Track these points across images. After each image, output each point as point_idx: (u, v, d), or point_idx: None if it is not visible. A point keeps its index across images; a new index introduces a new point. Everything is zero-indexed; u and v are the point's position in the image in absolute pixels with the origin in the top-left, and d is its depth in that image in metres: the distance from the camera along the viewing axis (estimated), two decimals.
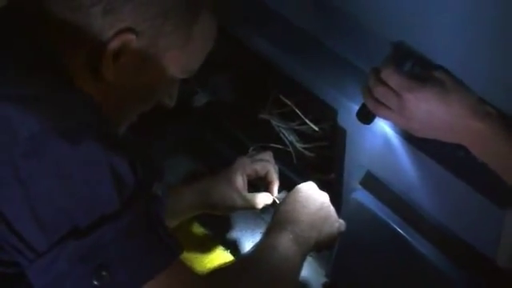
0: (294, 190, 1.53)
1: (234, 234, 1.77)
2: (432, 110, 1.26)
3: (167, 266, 1.08)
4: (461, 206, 1.37)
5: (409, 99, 1.27)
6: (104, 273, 1.05)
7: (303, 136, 1.68)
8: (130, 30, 1.14)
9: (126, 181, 1.06)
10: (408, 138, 1.41)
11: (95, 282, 1.04)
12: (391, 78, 1.29)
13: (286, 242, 1.39)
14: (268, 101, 1.71)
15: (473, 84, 1.27)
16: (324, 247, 1.49)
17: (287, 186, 1.76)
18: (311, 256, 1.73)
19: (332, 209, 1.51)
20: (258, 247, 1.38)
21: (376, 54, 1.37)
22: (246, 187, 1.66)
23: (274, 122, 1.71)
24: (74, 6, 1.13)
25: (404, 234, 1.46)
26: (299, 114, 1.65)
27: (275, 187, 1.67)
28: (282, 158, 1.72)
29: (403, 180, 1.45)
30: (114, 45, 1.14)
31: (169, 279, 1.09)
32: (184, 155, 1.94)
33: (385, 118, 1.34)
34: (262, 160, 1.67)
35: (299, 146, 1.69)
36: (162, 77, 1.23)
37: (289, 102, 1.66)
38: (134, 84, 1.21)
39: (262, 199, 1.65)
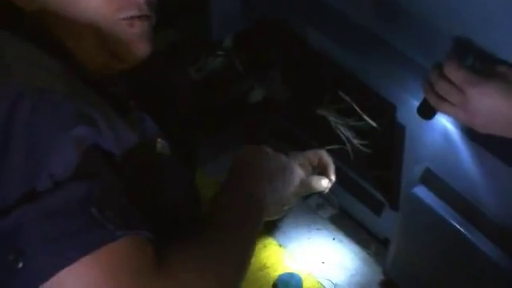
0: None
1: (290, 230, 1.78)
2: (496, 106, 1.25)
3: (92, 249, 1.00)
4: None
5: (472, 94, 1.26)
6: (18, 257, 1.00)
7: (361, 132, 1.68)
8: None
9: (63, 159, 1.02)
10: (470, 134, 1.40)
11: (13, 264, 0.99)
12: (454, 73, 1.28)
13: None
14: (325, 96, 1.71)
15: None
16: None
17: (344, 183, 1.77)
18: (368, 254, 1.72)
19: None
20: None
21: (435, 49, 1.37)
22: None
23: (331, 118, 1.70)
24: None
25: (464, 232, 1.46)
26: (357, 109, 1.65)
27: (331, 169, 1.66)
28: (338, 154, 1.71)
29: (464, 177, 1.44)
30: None
31: (99, 263, 1.00)
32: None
33: (447, 113, 1.34)
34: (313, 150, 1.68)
35: (356, 142, 1.69)
36: None
37: (346, 98, 1.65)
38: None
39: (318, 182, 1.64)
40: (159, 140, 1.22)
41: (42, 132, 1.04)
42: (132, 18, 1.20)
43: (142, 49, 1.22)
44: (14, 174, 1.02)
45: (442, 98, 1.31)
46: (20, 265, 1.00)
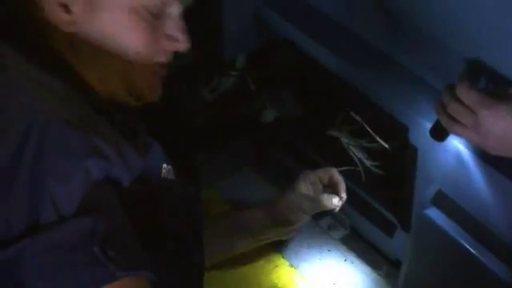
0: None
1: (302, 251, 1.78)
2: (508, 128, 1.25)
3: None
4: None
5: (485, 116, 1.27)
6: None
7: (372, 153, 1.68)
8: None
9: (68, 194, 1.02)
10: (482, 156, 1.40)
11: None
12: (467, 94, 1.28)
13: None
14: (337, 117, 1.71)
15: None
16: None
17: (356, 204, 1.77)
18: (380, 275, 1.72)
19: None
20: None
21: (448, 71, 1.38)
22: (312, 193, 1.68)
23: (343, 139, 1.71)
24: None
25: (476, 254, 1.45)
26: (369, 130, 1.65)
27: (341, 188, 1.67)
28: (350, 175, 1.71)
29: (476, 199, 1.43)
30: None
31: None
32: (250, 172, 1.95)
33: (459, 135, 1.34)
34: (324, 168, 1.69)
35: (368, 163, 1.69)
36: (128, 8, 1.15)
37: (359, 119, 1.66)
38: (107, 26, 1.16)
39: (329, 200, 1.65)
40: (164, 165, 1.22)
41: (50, 164, 1.03)
42: (161, 64, 1.22)
43: (159, 92, 1.24)
44: (19, 205, 1.02)
45: (455, 120, 1.31)
46: None
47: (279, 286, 1.68)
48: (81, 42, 1.16)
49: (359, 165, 1.70)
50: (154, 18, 1.17)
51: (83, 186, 1.03)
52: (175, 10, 1.20)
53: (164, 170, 1.22)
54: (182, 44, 1.21)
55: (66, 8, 1.13)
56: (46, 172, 1.02)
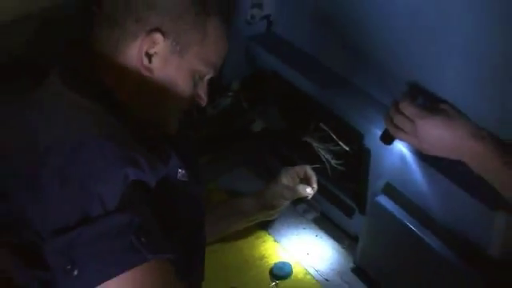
0: None
1: (283, 229, 1.76)
2: (439, 134, 1.25)
3: (129, 268, 1.00)
4: (461, 209, 1.34)
5: (421, 125, 1.26)
6: (74, 267, 1.00)
7: (337, 154, 1.66)
8: (157, 29, 1.15)
9: (112, 194, 1.02)
10: (420, 155, 1.38)
11: (71, 271, 1.00)
12: (407, 108, 1.28)
13: None
14: (310, 127, 1.70)
15: (470, 113, 1.26)
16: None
17: (324, 193, 1.75)
18: (343, 247, 1.70)
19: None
20: None
21: (394, 90, 1.37)
22: (291, 184, 1.67)
23: (314, 144, 1.69)
24: (112, 23, 1.16)
25: (417, 232, 1.43)
26: (334, 137, 1.64)
27: (313, 180, 1.67)
28: (320, 171, 1.70)
29: (417, 189, 1.42)
30: (147, 42, 1.15)
31: (134, 278, 1.01)
32: (244, 169, 1.93)
33: (402, 140, 1.34)
34: (300, 165, 1.68)
35: (334, 162, 1.67)
36: (190, 70, 1.21)
37: (326, 128, 1.64)
38: (169, 76, 1.19)
39: (304, 189, 1.66)
40: (180, 170, 1.21)
41: (98, 171, 1.03)
42: (184, 110, 1.27)
43: (176, 129, 1.28)
44: (74, 202, 1.02)
45: (399, 128, 1.31)
46: (75, 273, 1.00)
47: (266, 255, 1.66)
48: (145, 82, 1.19)
49: (326, 163, 1.68)
50: (198, 79, 1.24)
51: (122, 187, 1.03)
52: (209, 77, 1.26)
53: (179, 174, 1.21)
54: (204, 102, 1.28)
55: (150, 58, 1.17)
56: (95, 177, 1.02)
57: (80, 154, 1.02)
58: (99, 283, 1.01)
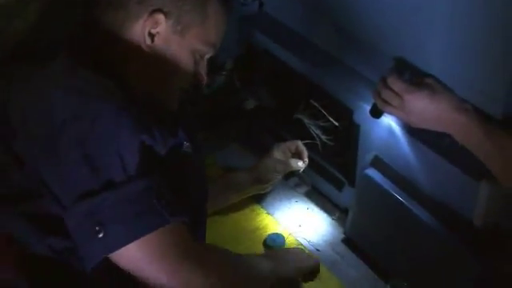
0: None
1: (276, 202, 1.78)
2: (425, 107, 1.27)
3: (154, 229, 1.05)
4: (446, 180, 1.36)
5: (408, 99, 1.28)
6: (100, 229, 1.03)
7: (327, 130, 1.68)
8: (159, 10, 1.17)
9: (132, 160, 1.05)
10: (407, 129, 1.40)
11: (97, 233, 1.04)
12: (395, 83, 1.29)
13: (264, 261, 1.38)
14: (301, 104, 1.71)
15: (454, 87, 1.27)
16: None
17: (315, 167, 1.76)
18: (333, 219, 1.72)
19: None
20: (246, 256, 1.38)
21: (382, 67, 1.38)
22: (283, 159, 1.69)
23: (305, 120, 1.70)
24: (116, 5, 1.18)
25: (405, 202, 1.45)
26: (324, 113, 1.65)
27: (304, 154, 1.69)
28: (311, 147, 1.71)
29: (403, 161, 1.44)
30: (150, 22, 1.17)
31: (158, 239, 1.05)
32: (238, 145, 1.94)
33: (390, 113, 1.35)
34: (292, 141, 1.70)
35: (324, 137, 1.69)
36: (190, 49, 1.22)
37: (316, 104, 1.65)
38: (170, 55, 1.21)
39: (296, 163, 1.68)
40: (185, 142, 1.23)
41: (117, 138, 1.06)
42: (184, 88, 1.28)
43: (176, 105, 1.29)
44: (95, 168, 1.05)
45: (387, 102, 1.32)
46: (101, 234, 1.03)
47: (260, 227, 1.68)
48: (149, 61, 1.21)
49: (317, 139, 1.69)
50: (199, 58, 1.25)
51: (140, 153, 1.06)
52: (208, 56, 1.28)
53: (185, 147, 1.24)
54: (203, 80, 1.30)
55: (152, 37, 1.19)
56: (114, 144, 1.05)
57: (98, 124, 1.05)
58: (124, 245, 1.04)
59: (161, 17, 1.17)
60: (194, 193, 1.28)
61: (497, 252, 1.31)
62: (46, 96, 1.12)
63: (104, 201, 1.03)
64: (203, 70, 1.28)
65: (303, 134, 1.72)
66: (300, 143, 1.70)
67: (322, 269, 1.54)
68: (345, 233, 1.67)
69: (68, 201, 1.05)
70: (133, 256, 1.05)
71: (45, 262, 1.11)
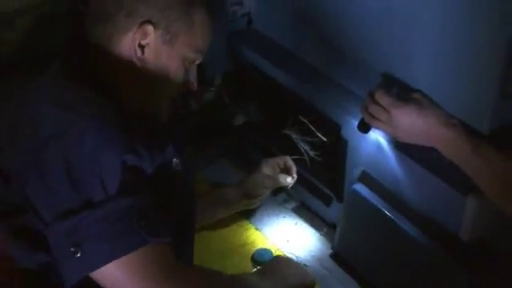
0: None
1: (264, 217, 1.77)
2: (412, 122, 1.27)
3: (132, 250, 1.03)
4: (434, 194, 1.36)
5: (395, 114, 1.28)
6: (77, 249, 1.02)
7: (315, 146, 1.67)
8: (148, 21, 1.17)
9: (113, 180, 1.04)
10: (395, 145, 1.40)
11: (74, 253, 1.03)
12: (382, 98, 1.30)
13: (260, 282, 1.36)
14: (289, 120, 1.71)
15: (442, 102, 1.28)
16: None
17: (303, 183, 1.76)
18: (321, 234, 1.72)
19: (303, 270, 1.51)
20: (241, 277, 1.36)
21: (369, 82, 1.38)
22: (272, 174, 1.69)
23: (294, 136, 1.70)
24: (104, 19, 1.18)
25: (392, 217, 1.45)
26: (312, 129, 1.65)
27: (293, 170, 1.68)
28: (299, 162, 1.71)
29: (391, 176, 1.44)
30: (139, 34, 1.17)
31: (139, 259, 1.04)
32: (227, 161, 1.94)
33: (377, 128, 1.35)
34: (280, 156, 1.69)
35: (312, 153, 1.68)
36: (180, 58, 1.22)
37: (305, 120, 1.65)
38: (161, 65, 1.20)
39: (284, 178, 1.68)
40: (175, 160, 1.22)
41: (100, 157, 1.04)
42: (174, 97, 1.28)
43: (167, 116, 1.28)
44: (75, 187, 1.03)
45: (374, 117, 1.32)
46: (78, 254, 1.02)
47: (248, 243, 1.67)
48: (139, 73, 1.20)
49: (305, 155, 1.69)
50: (188, 65, 1.25)
51: (122, 173, 1.05)
52: (197, 62, 1.28)
53: (174, 163, 1.23)
54: (194, 87, 1.29)
55: (143, 49, 1.18)
56: (97, 163, 1.04)
57: (82, 141, 1.04)
58: (102, 265, 1.03)
59: (150, 28, 1.17)
60: (182, 209, 1.27)
61: (484, 265, 1.31)
62: (33, 109, 1.11)
63: (82, 220, 1.02)
64: (193, 77, 1.29)
65: (292, 149, 1.72)
66: (289, 159, 1.70)
67: None
68: (333, 248, 1.67)
69: (49, 218, 1.05)
70: (113, 276, 1.04)
71: (32, 275, 1.10)
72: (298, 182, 1.72)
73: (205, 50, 1.27)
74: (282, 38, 1.72)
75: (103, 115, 1.10)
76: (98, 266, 1.03)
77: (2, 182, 1.11)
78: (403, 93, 1.30)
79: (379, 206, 1.48)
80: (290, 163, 1.69)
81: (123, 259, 1.03)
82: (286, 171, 1.69)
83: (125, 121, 1.12)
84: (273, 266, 1.47)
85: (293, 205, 1.81)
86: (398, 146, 1.38)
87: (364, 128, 1.39)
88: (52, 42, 1.28)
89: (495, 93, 1.17)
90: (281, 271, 1.44)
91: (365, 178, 1.53)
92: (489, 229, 1.31)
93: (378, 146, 1.44)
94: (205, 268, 1.26)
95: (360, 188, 1.53)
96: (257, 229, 1.72)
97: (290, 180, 1.68)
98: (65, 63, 1.20)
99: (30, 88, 1.18)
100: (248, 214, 1.75)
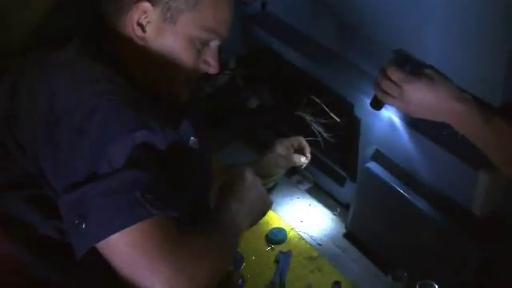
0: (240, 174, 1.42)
1: (279, 198, 1.78)
2: (424, 97, 1.27)
3: (135, 222, 1.03)
4: (446, 170, 1.37)
5: (407, 89, 1.28)
6: (82, 221, 1.03)
7: (328, 127, 1.68)
8: None
9: (120, 154, 1.05)
10: (407, 122, 1.41)
11: (79, 225, 1.04)
12: (394, 74, 1.30)
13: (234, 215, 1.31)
14: (302, 101, 1.71)
15: (453, 77, 1.28)
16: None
17: (317, 164, 1.77)
18: (335, 214, 1.72)
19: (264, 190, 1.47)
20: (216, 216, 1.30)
21: (381, 61, 1.38)
22: (286, 154, 1.67)
23: (307, 117, 1.70)
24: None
25: (405, 194, 1.46)
26: (326, 109, 1.65)
27: (307, 150, 1.68)
28: (312, 143, 1.72)
29: (404, 153, 1.45)
30: (136, 12, 1.17)
31: (141, 232, 1.04)
32: (241, 143, 1.95)
33: (390, 104, 1.36)
34: (294, 137, 1.70)
35: (325, 134, 1.69)
36: (186, 37, 1.20)
37: (318, 101, 1.66)
38: (166, 45, 1.20)
39: (298, 158, 1.67)
40: (192, 138, 1.22)
41: (109, 133, 1.05)
42: (193, 78, 1.27)
43: (186, 97, 1.28)
44: (83, 160, 1.05)
45: (386, 93, 1.32)
46: (83, 226, 1.03)
47: (262, 222, 1.65)
48: (145, 52, 1.20)
49: (319, 136, 1.70)
50: (200, 46, 1.22)
51: (130, 148, 1.05)
52: (215, 43, 1.26)
53: (191, 141, 1.23)
54: (214, 69, 1.27)
55: (142, 27, 1.18)
56: (106, 138, 1.05)
57: (94, 116, 1.06)
58: (105, 236, 1.03)
59: (147, 5, 1.17)
60: (198, 187, 1.28)
61: (496, 240, 1.32)
62: (50, 84, 1.13)
63: (86, 193, 1.04)
64: (212, 57, 1.26)
65: (305, 131, 1.72)
66: (302, 139, 1.70)
67: (324, 263, 1.55)
68: (346, 227, 1.67)
69: (59, 190, 1.07)
70: (116, 248, 1.04)
71: (51, 242, 1.12)
72: (311, 162, 1.72)
73: (220, 30, 1.25)
74: (296, 20, 1.73)
75: (116, 93, 1.11)
76: (101, 238, 1.03)
77: (21, 154, 1.13)
78: (415, 68, 1.30)
79: (392, 183, 1.48)
80: (304, 143, 1.69)
81: (127, 231, 1.03)
82: (300, 151, 1.69)
83: (137, 99, 1.13)
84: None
85: (307, 186, 1.81)
86: (411, 123, 1.39)
87: (377, 105, 1.40)
88: (68, 20, 1.29)
89: (507, 66, 1.17)
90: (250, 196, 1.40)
91: (378, 157, 1.53)
92: (501, 203, 1.31)
93: (391, 124, 1.45)
94: (200, 231, 1.20)
95: (373, 166, 1.53)
96: (271, 209, 1.72)
97: (303, 160, 1.68)
98: (82, 41, 1.21)
99: (48, 64, 1.19)
100: None
